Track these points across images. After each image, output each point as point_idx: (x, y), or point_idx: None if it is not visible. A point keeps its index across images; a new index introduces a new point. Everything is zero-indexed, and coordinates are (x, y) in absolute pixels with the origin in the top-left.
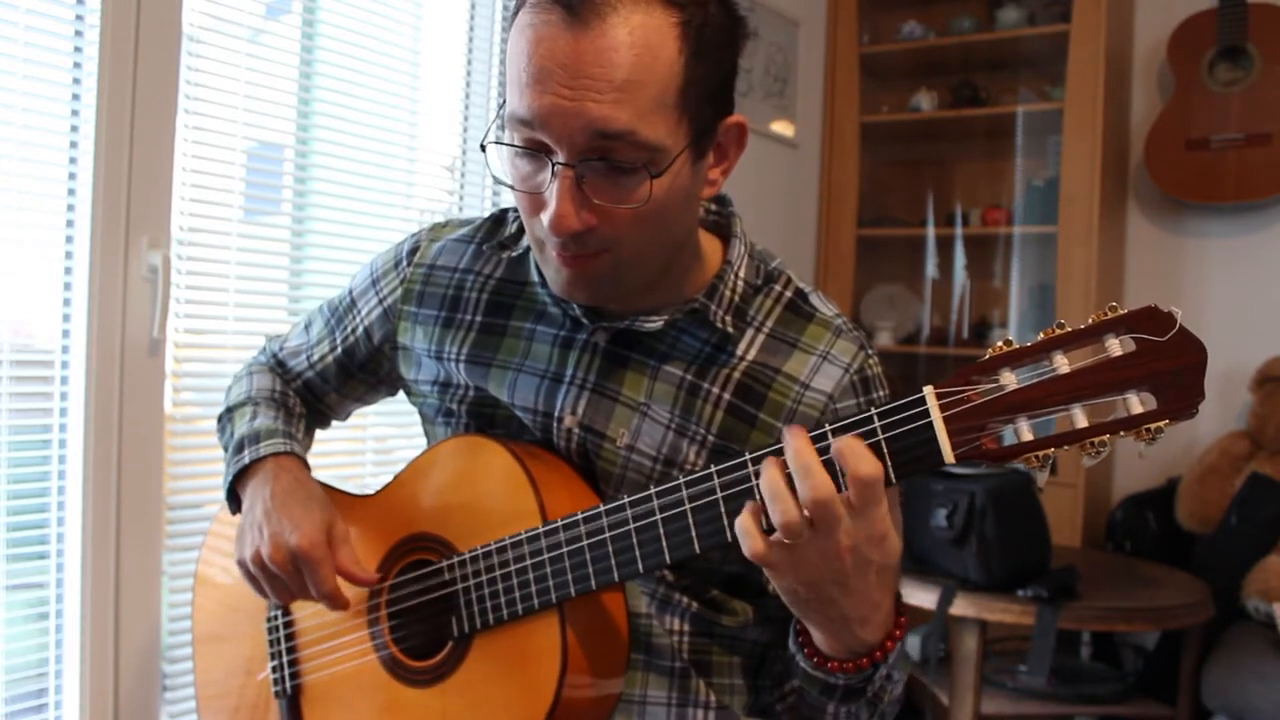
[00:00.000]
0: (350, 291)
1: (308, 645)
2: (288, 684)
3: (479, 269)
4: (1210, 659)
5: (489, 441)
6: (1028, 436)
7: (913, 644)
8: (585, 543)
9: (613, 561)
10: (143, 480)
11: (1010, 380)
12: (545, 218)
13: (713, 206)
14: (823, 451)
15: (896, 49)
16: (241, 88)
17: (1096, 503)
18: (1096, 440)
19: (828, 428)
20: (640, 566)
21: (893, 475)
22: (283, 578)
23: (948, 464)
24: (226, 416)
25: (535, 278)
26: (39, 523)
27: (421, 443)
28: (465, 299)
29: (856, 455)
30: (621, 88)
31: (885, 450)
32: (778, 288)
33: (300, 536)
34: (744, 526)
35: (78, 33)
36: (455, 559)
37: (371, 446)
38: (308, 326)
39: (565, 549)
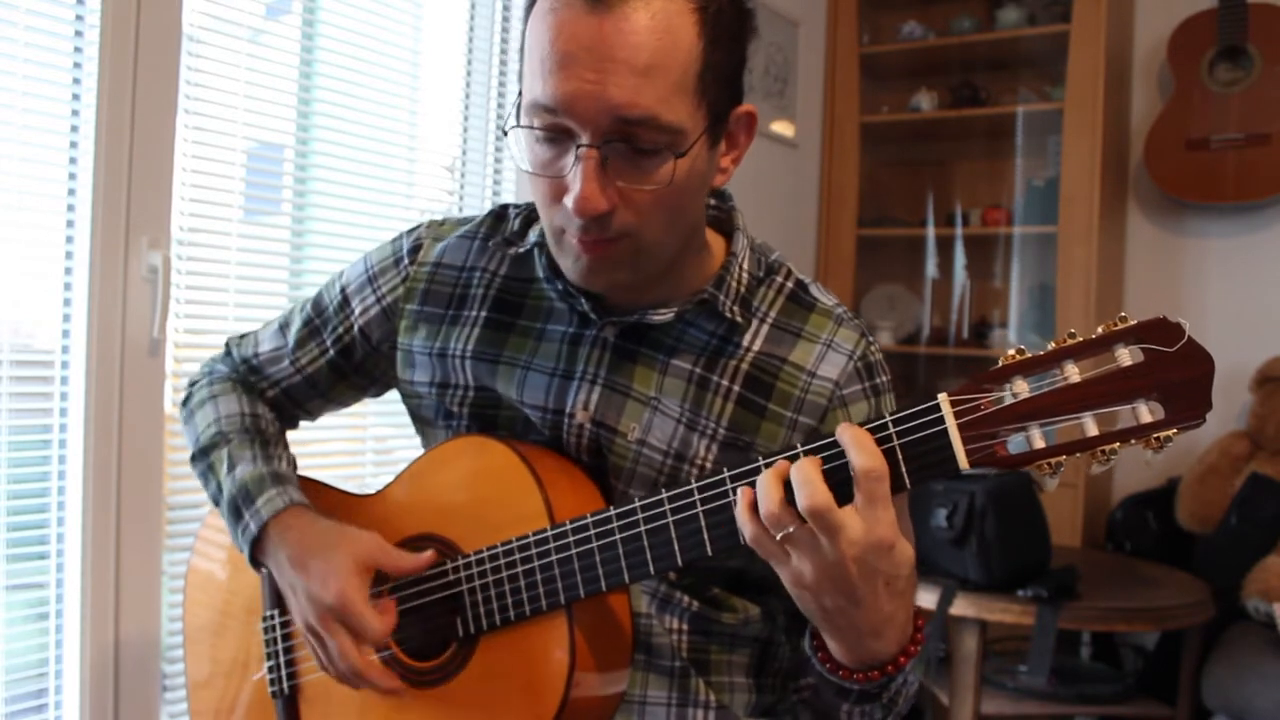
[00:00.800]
0: (342, 290)
1: (306, 645)
2: (285, 684)
3: (484, 265)
4: (1210, 659)
5: (494, 442)
6: (1039, 444)
7: None
8: (595, 545)
9: (623, 564)
10: (143, 480)
11: (1022, 388)
12: (569, 200)
13: (713, 202)
14: (836, 458)
15: (896, 49)
16: (241, 88)
17: (1096, 503)
18: (1107, 449)
19: (838, 435)
20: (651, 569)
21: (908, 480)
22: (330, 636)
23: (961, 470)
24: (203, 460)
25: (541, 274)
26: (39, 523)
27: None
28: (471, 296)
29: (859, 446)
30: (644, 71)
31: (900, 456)
32: (779, 279)
33: (332, 591)
34: (740, 512)
35: (78, 33)
36: (460, 560)
37: (371, 446)
38: (284, 328)
39: (575, 551)
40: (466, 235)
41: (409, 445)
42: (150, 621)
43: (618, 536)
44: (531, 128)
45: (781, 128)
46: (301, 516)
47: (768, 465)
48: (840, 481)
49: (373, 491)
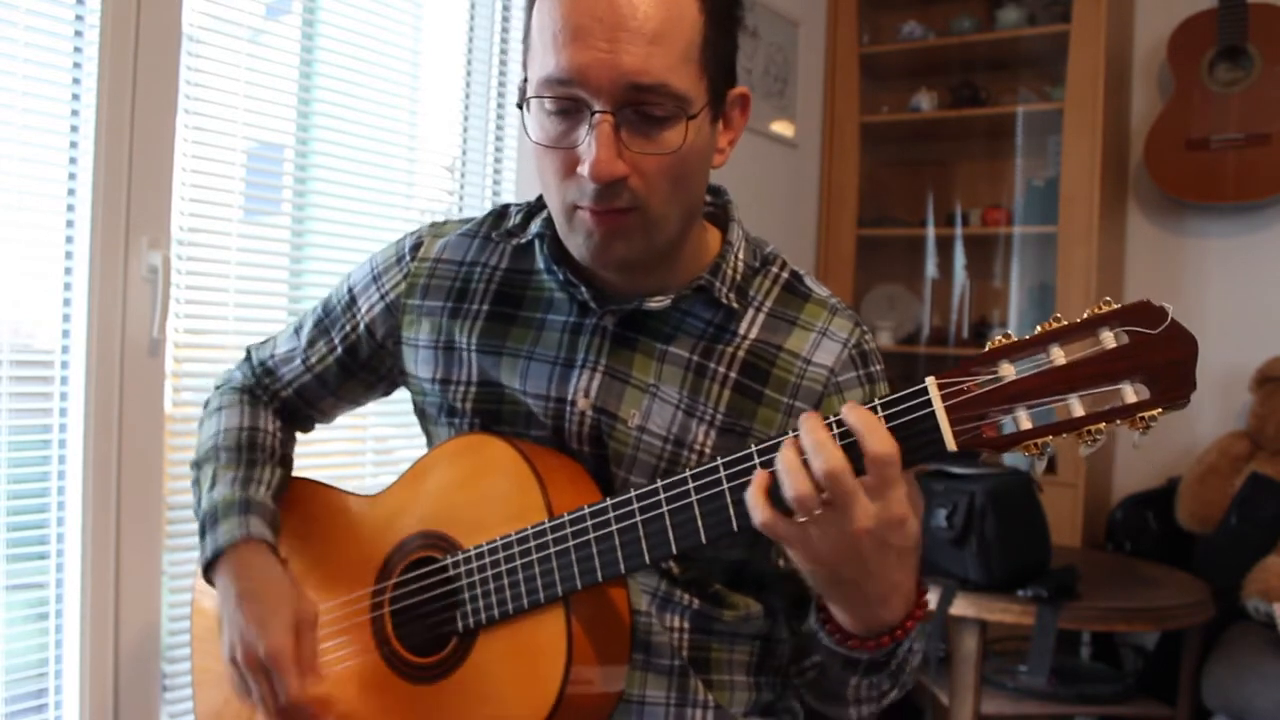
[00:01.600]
0: (349, 289)
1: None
2: None
3: (485, 260)
4: (1210, 659)
5: (495, 439)
6: (1026, 425)
7: None
8: (591, 536)
9: (619, 554)
10: (143, 480)
11: (1009, 371)
12: (584, 168)
13: (708, 197)
14: (842, 437)
15: (896, 49)
16: (241, 88)
17: (1096, 503)
18: (1093, 429)
19: (832, 419)
20: (647, 558)
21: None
22: (252, 682)
23: (949, 451)
24: (195, 471)
25: (542, 265)
26: (39, 523)
27: (422, 442)
28: (472, 290)
29: (873, 433)
30: (653, 39)
31: None
32: (774, 269)
33: (267, 644)
34: (752, 498)
35: (78, 33)
36: (460, 555)
37: (371, 446)
38: (298, 330)
39: (571, 543)
40: (467, 233)
41: (409, 445)
42: (150, 621)
43: (614, 528)
44: (543, 98)
45: (781, 128)
46: (256, 554)
47: (760, 453)
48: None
49: (375, 493)
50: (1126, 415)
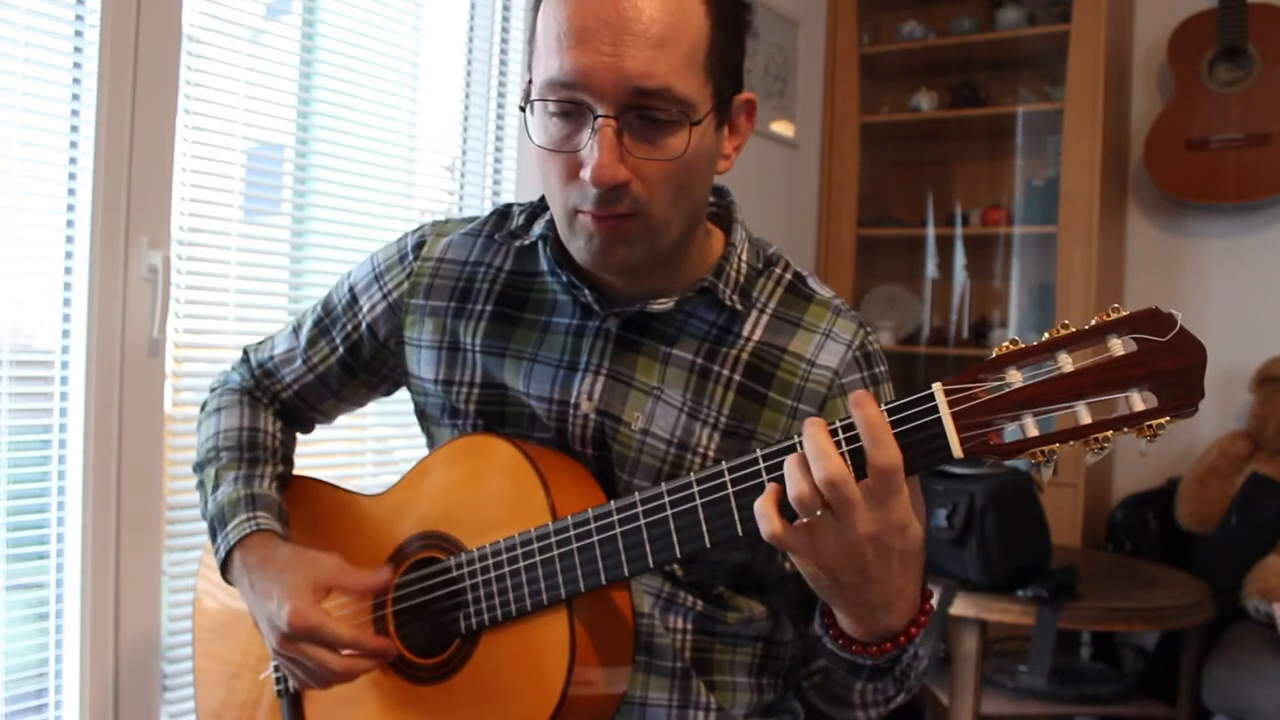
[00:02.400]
0: (350, 289)
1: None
2: (290, 683)
3: (488, 261)
4: (1210, 659)
5: (499, 440)
6: (1033, 432)
7: None
8: (595, 539)
9: (622, 556)
10: (143, 480)
11: (1016, 378)
12: (586, 172)
13: (712, 199)
14: (850, 441)
15: (896, 49)
16: (241, 88)
17: (1096, 503)
18: (1100, 436)
19: (838, 423)
20: (650, 561)
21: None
22: (300, 659)
23: (955, 458)
24: (198, 474)
25: (545, 266)
26: (39, 523)
27: (422, 442)
28: (476, 290)
29: (879, 443)
30: (658, 43)
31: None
32: (778, 270)
33: (286, 613)
34: (762, 508)
35: (78, 33)
36: (463, 556)
37: (371, 446)
38: (296, 330)
39: (575, 545)
40: (471, 233)
41: (409, 445)
42: (150, 621)
43: (617, 530)
44: (546, 101)
45: (781, 128)
46: (264, 543)
47: (765, 458)
48: (856, 465)
49: (379, 492)
50: (1134, 423)
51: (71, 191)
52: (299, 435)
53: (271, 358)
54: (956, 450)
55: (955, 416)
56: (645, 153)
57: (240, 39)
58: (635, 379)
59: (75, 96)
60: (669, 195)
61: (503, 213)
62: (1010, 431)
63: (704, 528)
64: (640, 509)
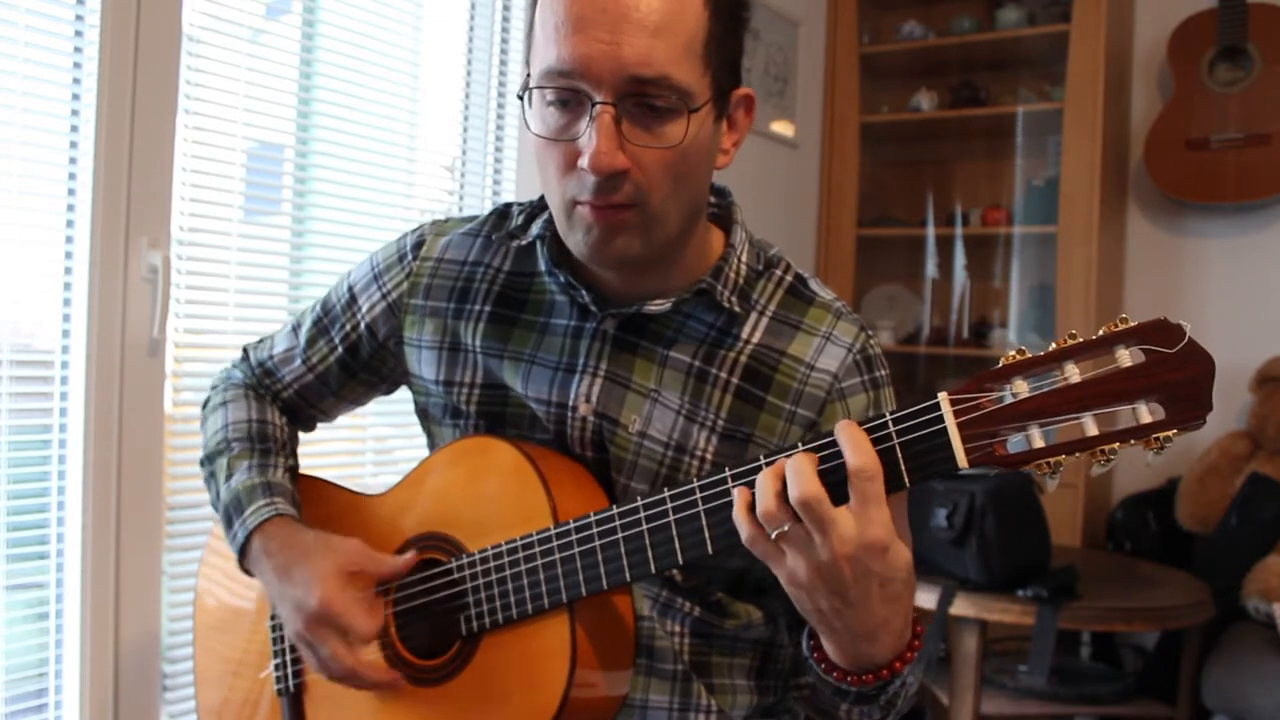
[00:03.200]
0: (349, 288)
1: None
2: (290, 681)
3: (487, 261)
4: (1210, 659)
5: (499, 442)
6: (1039, 444)
7: None
8: (598, 543)
9: (625, 562)
10: (143, 480)
11: (1022, 388)
12: (585, 160)
13: (713, 199)
14: (835, 457)
15: (896, 49)
16: (241, 88)
17: (1096, 503)
18: (1106, 449)
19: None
20: (653, 567)
21: (907, 479)
22: (321, 643)
23: (960, 469)
24: (207, 467)
25: (544, 267)
26: (39, 523)
27: (422, 442)
28: (475, 290)
29: (854, 445)
30: (656, 31)
31: (899, 454)
32: (778, 272)
33: (316, 597)
34: (737, 512)
35: (78, 33)
36: (465, 558)
37: (371, 446)
38: (296, 329)
39: (577, 549)
40: (470, 233)
41: (409, 445)
42: (150, 621)
43: (620, 535)
44: (544, 89)
45: (781, 128)
46: (285, 527)
47: (769, 464)
48: (839, 481)
49: (381, 492)
50: (1141, 436)
51: (71, 191)
52: (300, 434)
53: (271, 357)
54: (962, 461)
55: (961, 427)
56: (644, 140)
57: (240, 39)
58: (633, 381)
59: (75, 96)
60: (667, 185)
61: (502, 212)
62: (1015, 442)
63: (706, 534)
64: (642, 514)
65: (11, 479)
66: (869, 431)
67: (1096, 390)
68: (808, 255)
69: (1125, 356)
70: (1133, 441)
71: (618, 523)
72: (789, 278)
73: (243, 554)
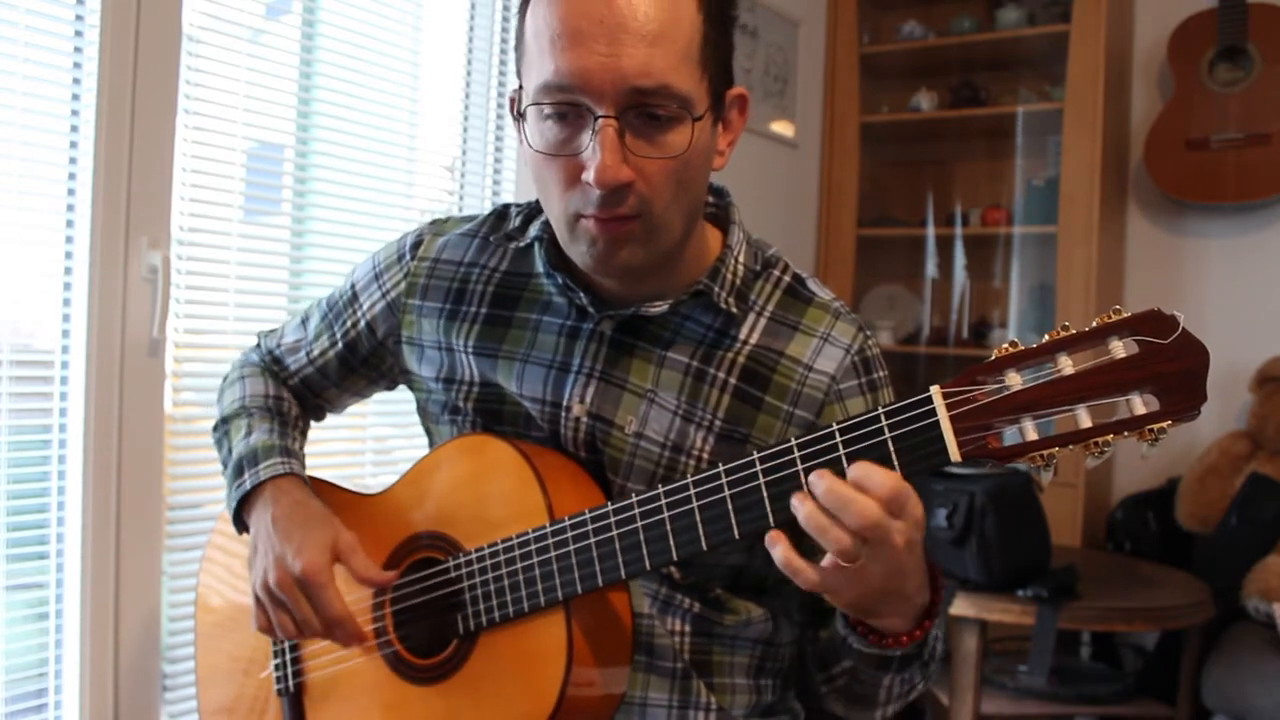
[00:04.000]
0: (352, 285)
1: (311, 642)
2: (290, 681)
3: (484, 262)
4: (1210, 659)
5: (496, 440)
6: (1032, 436)
7: None
8: (593, 540)
9: (620, 559)
10: (143, 480)
11: (1015, 381)
12: (589, 174)
13: (710, 199)
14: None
15: (896, 49)
16: (241, 88)
17: (1096, 503)
18: (1100, 440)
19: (834, 426)
20: (648, 564)
21: (900, 472)
22: (288, 603)
23: (953, 462)
24: (222, 427)
25: (540, 269)
26: (39, 523)
27: (422, 442)
28: (470, 291)
29: (873, 479)
30: (653, 40)
31: (892, 449)
32: (776, 273)
33: (304, 560)
34: (790, 564)
35: (78, 33)
36: (462, 557)
37: (371, 446)
38: (304, 321)
39: (573, 547)
40: (467, 233)
41: (409, 445)
42: (150, 621)
43: (615, 533)
44: (542, 105)
45: (781, 128)
46: (299, 488)
47: (762, 460)
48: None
49: (378, 491)
50: (1135, 427)
51: (71, 191)
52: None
53: (279, 345)
54: (954, 454)
55: (954, 420)
56: (647, 151)
57: (240, 39)
58: (629, 382)
59: (75, 96)
60: (670, 194)
61: (500, 213)
62: (1009, 435)
63: (700, 530)
64: (637, 511)
65: (11, 479)
66: (861, 425)
67: (1090, 382)
68: (808, 255)
69: (1119, 348)
70: (1127, 433)
71: (612, 520)
72: (787, 278)
73: (244, 502)
